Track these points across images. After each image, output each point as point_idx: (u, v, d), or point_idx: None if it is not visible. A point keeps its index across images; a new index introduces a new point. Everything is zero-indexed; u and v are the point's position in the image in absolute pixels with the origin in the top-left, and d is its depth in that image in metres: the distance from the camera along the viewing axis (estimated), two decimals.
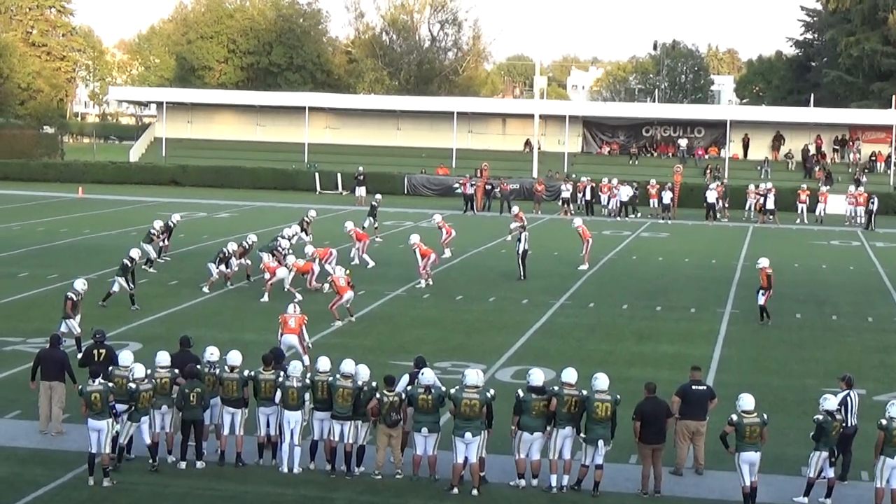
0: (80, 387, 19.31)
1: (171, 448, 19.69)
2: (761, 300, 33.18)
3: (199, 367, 20.18)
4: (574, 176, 71.48)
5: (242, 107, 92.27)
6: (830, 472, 18.55)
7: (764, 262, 33.57)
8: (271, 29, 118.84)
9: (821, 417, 18.54)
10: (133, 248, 34.87)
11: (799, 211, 64.07)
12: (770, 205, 62.83)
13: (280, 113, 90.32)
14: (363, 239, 43.21)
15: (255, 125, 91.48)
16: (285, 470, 19.37)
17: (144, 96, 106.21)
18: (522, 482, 18.97)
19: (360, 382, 19.48)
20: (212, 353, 20.64)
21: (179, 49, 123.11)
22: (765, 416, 18.65)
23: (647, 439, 18.91)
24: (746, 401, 18.56)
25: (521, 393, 19.06)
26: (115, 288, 33.00)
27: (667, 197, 64.12)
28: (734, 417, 18.44)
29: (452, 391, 18.93)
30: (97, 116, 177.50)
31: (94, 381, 18.91)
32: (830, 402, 18.73)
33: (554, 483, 18.89)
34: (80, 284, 27.89)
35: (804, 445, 20.16)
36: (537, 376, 19.20)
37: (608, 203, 65.45)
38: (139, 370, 19.64)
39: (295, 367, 19.73)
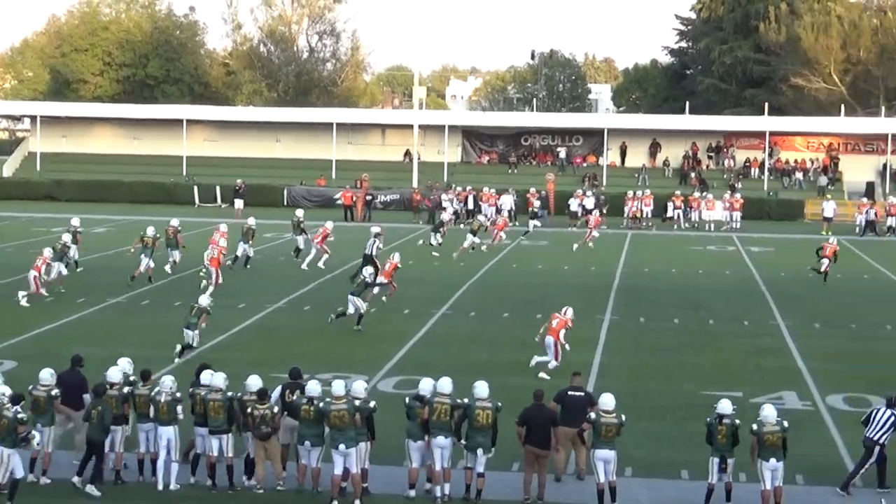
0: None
1: (46, 468, 19.32)
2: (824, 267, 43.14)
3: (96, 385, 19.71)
4: (453, 186, 71.75)
5: (119, 120, 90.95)
6: (726, 477, 18.70)
7: (833, 240, 45.88)
8: (147, 41, 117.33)
9: (708, 419, 18.80)
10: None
11: (675, 217, 65.29)
12: (645, 211, 64.58)
13: (157, 126, 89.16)
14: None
15: (132, 138, 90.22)
16: (161, 487, 19.15)
17: (17, 110, 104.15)
18: (412, 492, 18.96)
19: (228, 394, 19.40)
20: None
21: (53, 62, 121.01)
22: (622, 416, 18.85)
23: (533, 445, 18.98)
24: (606, 400, 18.85)
25: (407, 399, 19.18)
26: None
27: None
28: (592, 416, 18.73)
29: (321, 404, 18.84)
30: None
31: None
32: (723, 405, 18.89)
33: (438, 493, 18.90)
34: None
35: (682, 450, 20.43)
36: (425, 385, 19.29)
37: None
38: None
39: (164, 382, 19.51)
